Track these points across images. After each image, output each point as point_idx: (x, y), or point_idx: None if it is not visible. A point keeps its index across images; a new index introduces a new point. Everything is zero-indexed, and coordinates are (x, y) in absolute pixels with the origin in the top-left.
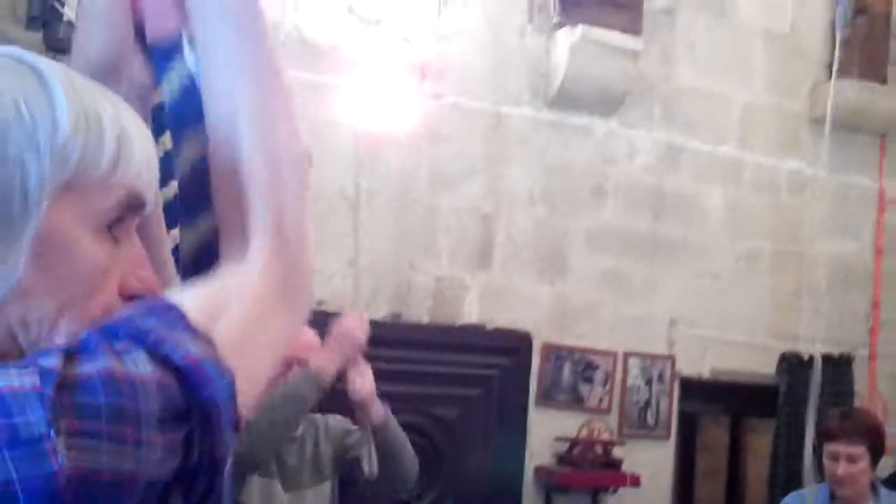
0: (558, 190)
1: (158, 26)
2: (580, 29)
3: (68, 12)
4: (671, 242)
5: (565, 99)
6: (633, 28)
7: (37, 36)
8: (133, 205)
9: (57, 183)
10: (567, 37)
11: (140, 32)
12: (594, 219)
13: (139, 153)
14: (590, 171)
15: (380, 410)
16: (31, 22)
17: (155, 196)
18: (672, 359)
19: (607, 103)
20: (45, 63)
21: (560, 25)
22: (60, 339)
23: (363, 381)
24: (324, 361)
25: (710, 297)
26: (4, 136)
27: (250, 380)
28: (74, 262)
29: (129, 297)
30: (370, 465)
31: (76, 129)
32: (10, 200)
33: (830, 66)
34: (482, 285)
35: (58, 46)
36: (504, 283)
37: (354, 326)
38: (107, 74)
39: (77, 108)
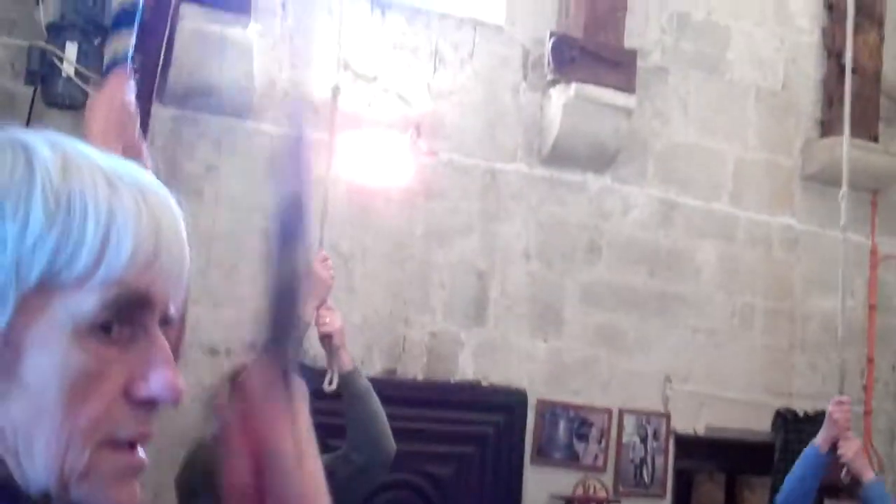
0: (553, 246)
1: None
2: (574, 87)
3: (67, 68)
4: (665, 298)
5: (559, 155)
6: (627, 86)
7: (35, 91)
8: (134, 302)
9: (24, 284)
10: (561, 94)
11: None
12: (588, 274)
13: (134, 248)
14: (584, 227)
15: (349, 357)
16: (30, 77)
17: (178, 290)
18: (667, 416)
19: (601, 160)
20: (43, 148)
21: (554, 83)
22: (41, 450)
23: (332, 318)
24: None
25: (704, 353)
26: None
27: None
28: (47, 367)
29: (138, 401)
30: (331, 382)
31: (48, 227)
32: None
33: (822, 123)
34: (477, 341)
35: (56, 102)
36: (499, 339)
37: (320, 268)
38: None
39: (55, 203)
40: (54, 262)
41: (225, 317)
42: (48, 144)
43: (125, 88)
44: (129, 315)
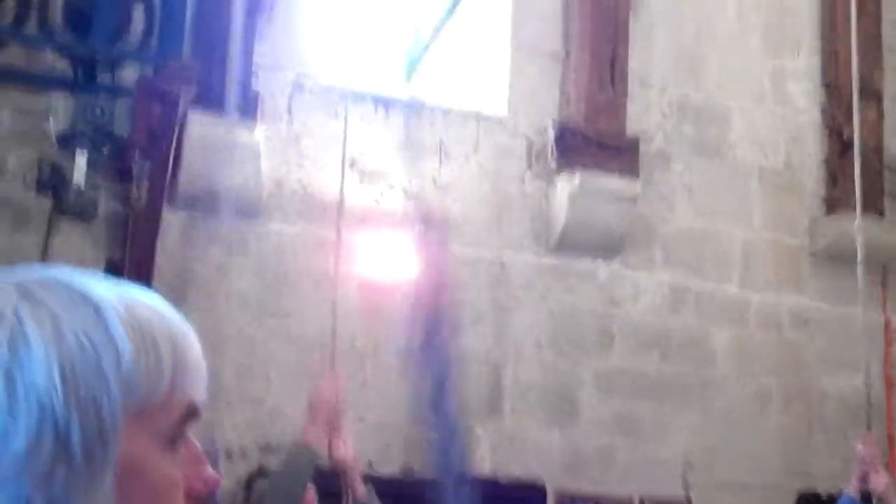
0: (565, 334)
1: None
2: (578, 175)
3: (77, 178)
4: (680, 383)
5: (567, 244)
6: (631, 172)
7: (46, 202)
8: (192, 414)
9: (127, 415)
10: (566, 183)
11: None
12: (602, 362)
13: (191, 364)
14: (595, 315)
15: (362, 486)
16: (41, 187)
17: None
18: (688, 502)
19: (609, 247)
20: (94, 285)
21: (558, 172)
22: None
23: (345, 447)
24: (311, 433)
25: (722, 437)
26: (74, 377)
27: None
28: (152, 485)
29: (194, 498)
30: None
31: (137, 358)
32: (91, 443)
33: (826, 200)
34: (493, 434)
35: (67, 210)
36: (515, 431)
37: (329, 392)
38: None
39: (134, 335)
40: (147, 389)
41: (238, 417)
42: (91, 280)
43: None
44: (185, 427)
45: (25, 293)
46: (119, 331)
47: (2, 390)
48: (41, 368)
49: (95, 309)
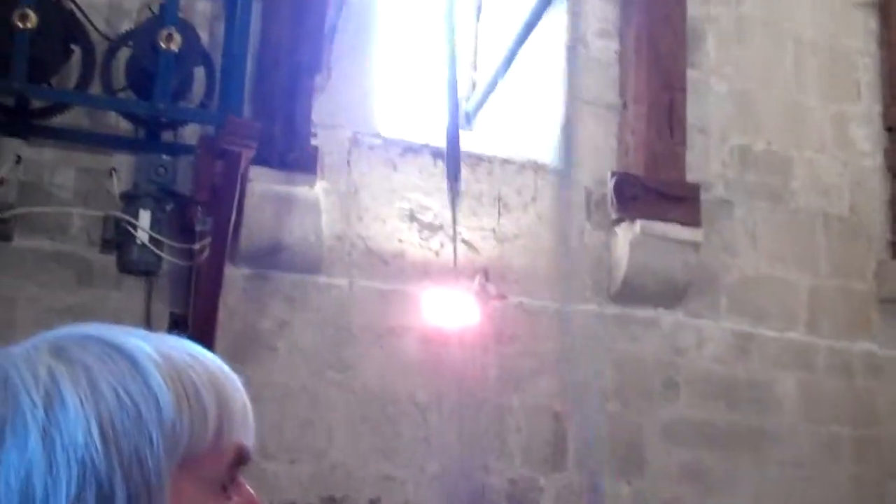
0: (629, 384)
1: None
2: (639, 224)
3: (141, 235)
4: (748, 432)
5: (629, 293)
6: (692, 220)
7: (110, 258)
8: (242, 458)
9: (172, 465)
10: (626, 232)
11: None
12: (668, 412)
13: (236, 408)
14: (660, 364)
15: None
16: (106, 245)
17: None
18: None
19: (672, 295)
20: (129, 337)
21: (618, 222)
22: None
23: None
24: None
25: (793, 487)
26: (114, 432)
27: None
28: None
29: None
30: None
31: (179, 407)
32: (137, 496)
33: (893, 245)
34: (557, 486)
35: (131, 269)
36: (580, 484)
37: None
38: None
39: (174, 384)
40: (192, 436)
41: (302, 472)
42: (126, 333)
43: None
44: (236, 471)
45: (59, 352)
46: (157, 381)
47: (40, 451)
48: (79, 426)
49: (132, 361)
